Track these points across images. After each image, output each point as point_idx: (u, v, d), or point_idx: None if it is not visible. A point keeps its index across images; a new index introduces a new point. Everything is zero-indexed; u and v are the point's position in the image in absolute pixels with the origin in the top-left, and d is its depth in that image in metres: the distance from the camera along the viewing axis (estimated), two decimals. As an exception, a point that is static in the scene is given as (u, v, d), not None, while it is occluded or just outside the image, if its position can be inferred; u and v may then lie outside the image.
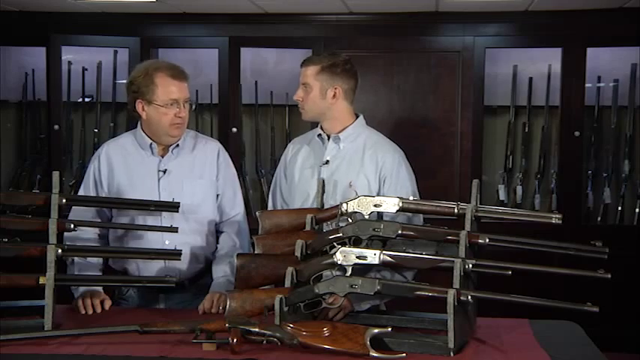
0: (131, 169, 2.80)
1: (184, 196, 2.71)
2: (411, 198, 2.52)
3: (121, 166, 2.80)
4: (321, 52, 4.57)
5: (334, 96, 2.75)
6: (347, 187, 2.71)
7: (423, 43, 4.86)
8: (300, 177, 2.84)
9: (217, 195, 2.86)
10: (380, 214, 2.56)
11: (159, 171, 2.78)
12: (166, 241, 2.73)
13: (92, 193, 2.81)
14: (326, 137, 2.82)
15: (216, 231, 2.89)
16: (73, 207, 2.72)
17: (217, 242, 2.87)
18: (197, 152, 2.85)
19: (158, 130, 2.75)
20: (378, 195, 2.63)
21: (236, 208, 2.89)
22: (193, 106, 2.79)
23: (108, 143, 2.93)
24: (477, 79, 4.71)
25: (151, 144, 2.79)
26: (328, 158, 2.79)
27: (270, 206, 2.96)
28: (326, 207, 2.65)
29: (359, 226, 2.41)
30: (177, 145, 2.80)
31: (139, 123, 2.83)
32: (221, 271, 2.79)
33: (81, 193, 2.85)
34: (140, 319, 2.34)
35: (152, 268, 2.76)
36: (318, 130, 2.85)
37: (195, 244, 2.76)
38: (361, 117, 2.85)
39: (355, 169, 2.75)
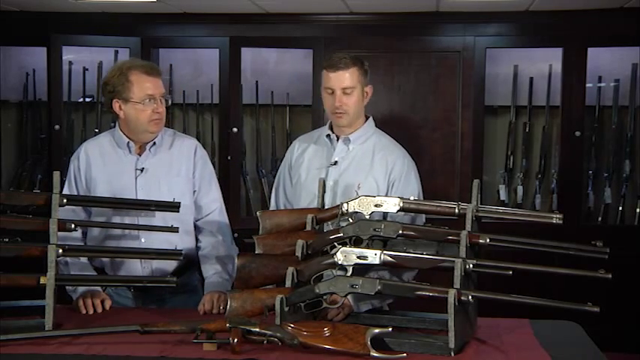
0: (109, 167, 2.81)
1: (162, 194, 2.72)
2: (412, 198, 2.52)
3: (99, 164, 2.82)
4: (321, 52, 4.60)
5: (366, 95, 2.75)
6: (355, 189, 2.70)
7: (424, 43, 4.86)
8: (307, 177, 2.82)
9: (194, 192, 2.86)
10: (384, 215, 2.55)
11: (136, 169, 2.79)
12: (142, 239, 2.74)
13: (74, 192, 2.82)
14: (335, 138, 2.81)
15: (196, 228, 2.88)
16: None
17: (197, 240, 2.88)
18: (174, 150, 2.85)
19: (137, 127, 2.76)
20: None
21: (213, 204, 2.89)
22: (169, 102, 2.82)
23: (87, 142, 2.95)
24: (477, 79, 4.71)
25: (128, 142, 2.80)
26: (337, 159, 2.78)
27: (272, 206, 2.95)
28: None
29: (359, 226, 2.41)
30: (155, 144, 2.81)
31: (117, 122, 2.85)
32: (212, 269, 2.80)
33: (65, 191, 2.84)
34: (140, 319, 2.35)
35: (131, 266, 2.77)
36: (327, 131, 2.83)
37: (172, 241, 2.72)
38: (371, 118, 2.84)
39: (364, 172, 2.74)
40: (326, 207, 2.68)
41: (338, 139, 2.80)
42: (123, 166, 2.80)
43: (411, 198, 2.52)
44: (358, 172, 2.74)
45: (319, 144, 2.86)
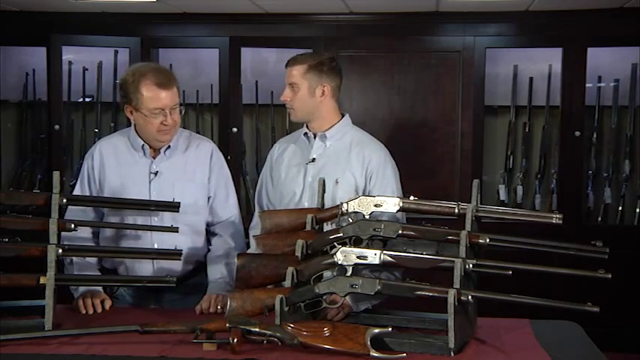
0: (123, 169, 2.79)
1: (175, 198, 2.69)
2: (412, 198, 2.52)
3: (113, 165, 2.80)
4: (321, 52, 4.59)
5: (322, 94, 2.76)
6: (333, 185, 2.72)
7: (424, 43, 4.86)
8: (287, 175, 2.84)
9: (209, 197, 2.85)
10: (364, 214, 2.55)
11: (150, 173, 2.78)
12: (155, 243, 2.73)
13: (87, 191, 2.81)
14: (312, 136, 2.83)
15: (209, 232, 2.88)
16: (70, 206, 2.70)
17: (209, 244, 2.87)
18: (189, 153, 2.84)
19: (145, 135, 2.76)
20: (364, 192, 2.64)
21: (229, 211, 2.88)
22: (182, 111, 2.77)
23: (101, 141, 2.92)
24: (477, 79, 4.71)
25: (143, 145, 2.78)
26: (314, 156, 2.80)
27: (256, 208, 2.95)
28: (311, 205, 2.67)
29: (359, 226, 2.41)
30: (169, 147, 2.80)
31: (132, 123, 2.83)
32: (218, 273, 2.78)
33: (77, 190, 2.85)
34: (140, 319, 2.34)
35: (142, 267, 2.76)
36: (304, 129, 2.86)
37: (184, 245, 2.71)
38: (347, 116, 2.86)
39: (341, 167, 2.76)
40: (306, 204, 2.71)
41: (315, 137, 2.82)
42: (137, 169, 2.78)
43: (411, 198, 2.52)
44: (336, 168, 2.76)
45: (298, 143, 2.88)
